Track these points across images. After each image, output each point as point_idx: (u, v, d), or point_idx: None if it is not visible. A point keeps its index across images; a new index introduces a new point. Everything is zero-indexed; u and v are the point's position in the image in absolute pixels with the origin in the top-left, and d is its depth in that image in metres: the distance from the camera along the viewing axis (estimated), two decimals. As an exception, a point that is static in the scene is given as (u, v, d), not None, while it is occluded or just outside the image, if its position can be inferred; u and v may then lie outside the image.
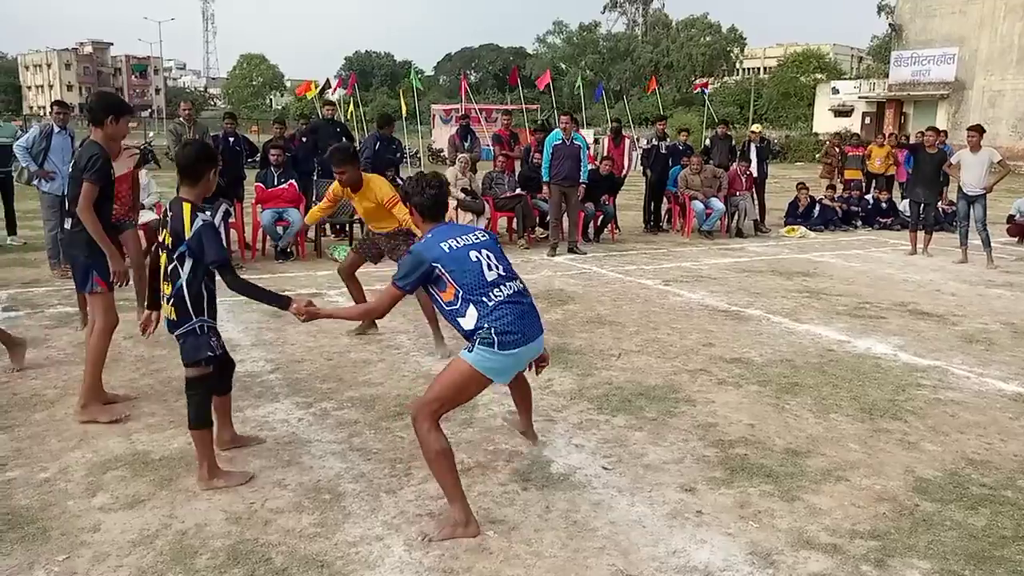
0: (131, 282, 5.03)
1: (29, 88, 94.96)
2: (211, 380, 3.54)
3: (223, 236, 4.27)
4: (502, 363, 3.08)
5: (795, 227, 12.56)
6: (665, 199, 12.68)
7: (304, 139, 10.74)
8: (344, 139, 10.76)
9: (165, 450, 3.84)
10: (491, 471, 3.67)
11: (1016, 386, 5.04)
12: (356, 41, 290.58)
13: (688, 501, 3.41)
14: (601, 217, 11.40)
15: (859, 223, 13.40)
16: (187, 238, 3.35)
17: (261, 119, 48.89)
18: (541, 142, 10.54)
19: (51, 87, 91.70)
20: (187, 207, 3.39)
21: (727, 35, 65.86)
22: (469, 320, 3.05)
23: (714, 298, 7.52)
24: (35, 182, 8.17)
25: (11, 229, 10.10)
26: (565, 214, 10.24)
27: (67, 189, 4.23)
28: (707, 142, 14.48)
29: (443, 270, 3.07)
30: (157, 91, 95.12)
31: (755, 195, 12.43)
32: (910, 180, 11.15)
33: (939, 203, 11.81)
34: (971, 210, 9.71)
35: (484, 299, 3.05)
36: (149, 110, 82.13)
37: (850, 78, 52.34)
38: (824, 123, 42.94)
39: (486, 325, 3.03)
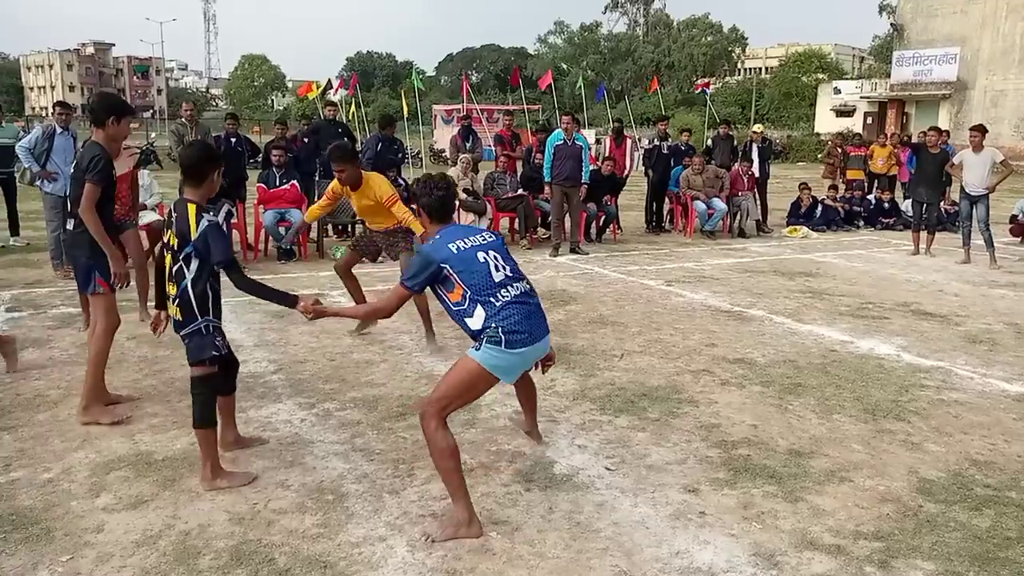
0: (132, 283, 5.03)
1: (31, 89, 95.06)
2: (216, 380, 3.54)
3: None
4: (509, 362, 3.11)
5: (797, 227, 12.55)
6: (667, 199, 12.67)
7: (306, 140, 10.75)
8: (346, 139, 10.78)
9: (168, 451, 3.85)
10: (494, 472, 3.67)
11: (1020, 386, 5.03)
12: (358, 41, 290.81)
13: (691, 502, 3.40)
14: (603, 217, 11.40)
15: (861, 223, 13.39)
16: (193, 239, 3.36)
17: (263, 120, 48.90)
18: (543, 143, 10.54)
19: (53, 88, 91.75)
20: (192, 208, 3.40)
21: (728, 35, 65.81)
22: (476, 320, 3.09)
23: (716, 298, 7.51)
24: (38, 183, 8.18)
25: (14, 230, 10.11)
26: (567, 214, 10.25)
27: (69, 190, 4.23)
28: (709, 142, 14.51)
29: (451, 271, 3.10)
30: (159, 92, 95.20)
31: (757, 195, 12.44)
32: (913, 180, 11.15)
33: (942, 203, 11.79)
34: (974, 210, 9.70)
35: (491, 299, 3.08)
36: (151, 111, 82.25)
37: (852, 78, 52.31)
38: (826, 123, 42.92)
39: (493, 324, 3.06)
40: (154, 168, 21.83)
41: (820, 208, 13.12)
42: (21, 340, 5.69)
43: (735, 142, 13.41)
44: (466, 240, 3.19)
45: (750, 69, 73.11)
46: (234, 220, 9.11)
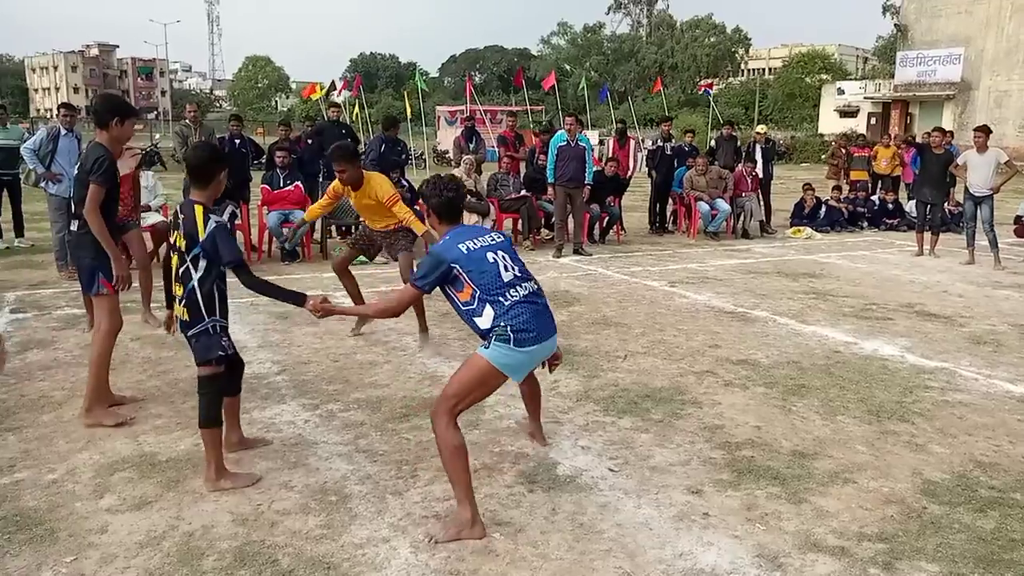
0: (136, 284, 5.04)
1: (36, 90, 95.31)
2: (222, 379, 3.55)
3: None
4: (518, 360, 3.14)
5: (801, 228, 12.54)
6: (670, 200, 12.67)
7: (310, 141, 10.76)
8: (349, 140, 10.80)
9: (172, 452, 3.85)
10: (497, 473, 3.67)
11: (1024, 388, 5.02)
12: (361, 43, 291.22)
13: (695, 503, 3.40)
14: (606, 219, 11.39)
15: (865, 224, 13.37)
16: (201, 240, 3.38)
17: (267, 121, 48.95)
18: (546, 144, 10.54)
19: (57, 89, 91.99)
20: (199, 209, 3.42)
21: (732, 36, 65.81)
22: (486, 319, 3.12)
23: (720, 299, 7.50)
24: (42, 184, 8.21)
25: (18, 231, 10.14)
26: (570, 215, 10.24)
27: (73, 191, 4.24)
28: (712, 143, 14.50)
29: (461, 271, 3.14)
30: (163, 93, 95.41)
31: (760, 196, 12.42)
32: (917, 181, 11.13)
33: (946, 204, 11.77)
34: (978, 211, 9.68)
35: (500, 299, 3.12)
36: (155, 112, 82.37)
37: (855, 79, 52.25)
38: (829, 124, 42.88)
39: (502, 323, 3.09)
40: (158, 169, 21.86)
41: (824, 209, 13.10)
42: (25, 341, 5.72)
43: (738, 143, 13.38)
44: (476, 240, 3.23)
45: (753, 70, 73.06)
46: (238, 222, 9.13)
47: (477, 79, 70.26)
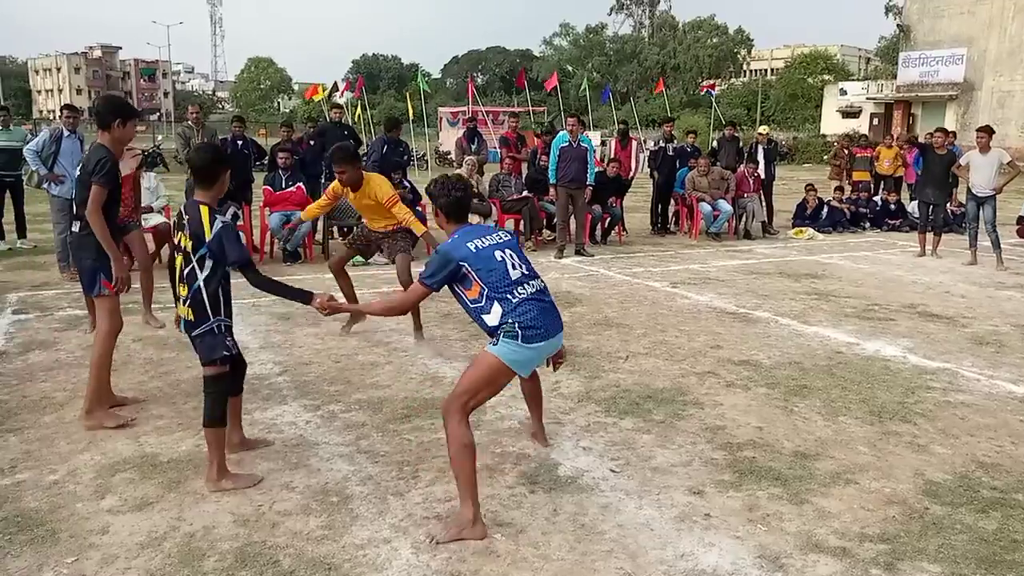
0: (137, 285, 5.04)
1: (39, 92, 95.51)
2: (227, 379, 3.56)
3: None
4: (526, 356, 3.20)
5: (803, 229, 12.52)
6: (672, 201, 12.66)
7: (312, 142, 10.77)
8: (352, 142, 10.80)
9: (173, 452, 3.85)
10: (499, 474, 3.67)
11: (1027, 388, 5.01)
12: (363, 44, 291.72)
13: (696, 504, 3.40)
14: (608, 219, 11.39)
15: (867, 225, 13.36)
16: (208, 240, 3.39)
17: (269, 122, 49.02)
18: (548, 144, 10.55)
19: (60, 91, 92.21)
20: (205, 210, 3.43)
21: (734, 37, 65.81)
22: (494, 316, 3.17)
23: (722, 300, 7.50)
24: (45, 186, 8.22)
25: (21, 232, 10.15)
26: (572, 216, 10.24)
27: (75, 192, 4.24)
28: (714, 144, 14.46)
29: (470, 269, 3.19)
30: (165, 95, 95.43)
31: (763, 197, 12.41)
32: (919, 181, 11.12)
33: (948, 204, 11.75)
34: (980, 211, 9.66)
35: (508, 296, 3.17)
36: (157, 113, 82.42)
37: (858, 79, 52.23)
38: (832, 124, 42.85)
39: (510, 320, 3.14)
40: (160, 171, 21.90)
41: (826, 209, 13.09)
42: (28, 342, 5.73)
43: (741, 144, 13.38)
44: (484, 239, 3.28)
45: (756, 70, 73.06)
46: (240, 223, 9.13)
47: (479, 80, 70.30)
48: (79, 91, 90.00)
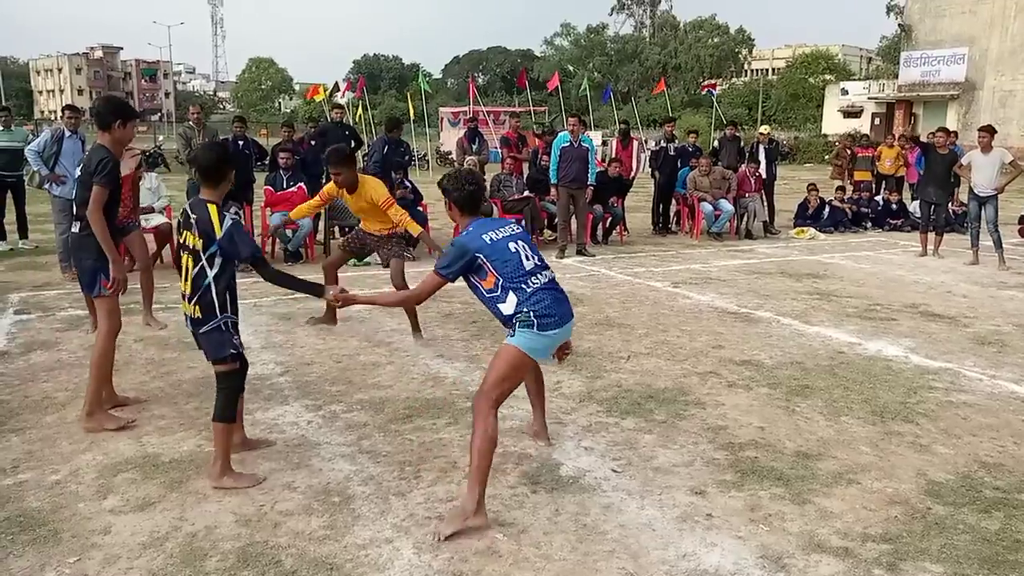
0: (137, 285, 5.04)
1: (40, 92, 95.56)
2: (239, 375, 3.58)
3: None
4: (543, 344, 3.31)
5: (804, 229, 12.51)
6: (674, 201, 12.65)
7: (313, 142, 10.77)
8: (353, 142, 10.80)
9: (175, 452, 3.86)
10: (500, 474, 3.66)
11: (1029, 388, 5.00)
12: (364, 44, 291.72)
13: (698, 504, 3.39)
14: (609, 219, 11.38)
15: (869, 224, 13.34)
16: (219, 237, 3.41)
17: (270, 122, 49.00)
18: (549, 144, 10.55)
19: (62, 92, 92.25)
20: (213, 208, 3.45)
21: (735, 36, 65.75)
22: (509, 305, 3.28)
23: (723, 300, 7.49)
24: (46, 186, 8.22)
25: (22, 233, 10.16)
26: (573, 216, 10.24)
27: (76, 193, 4.24)
28: (716, 144, 14.46)
29: (485, 260, 3.29)
30: (167, 95, 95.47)
31: (764, 197, 12.40)
32: (921, 181, 11.10)
33: (950, 204, 11.74)
34: (982, 211, 9.65)
35: (523, 286, 3.28)
36: (159, 114, 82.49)
37: (859, 79, 52.16)
38: (833, 124, 42.81)
39: (525, 309, 3.25)
40: (162, 171, 21.90)
41: (827, 209, 13.08)
42: (29, 343, 5.74)
43: (742, 143, 13.37)
44: (498, 231, 3.38)
45: (757, 70, 73.04)
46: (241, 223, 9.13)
47: (480, 80, 70.31)
48: (80, 92, 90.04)
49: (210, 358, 3.55)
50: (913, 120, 36.47)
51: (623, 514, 3.30)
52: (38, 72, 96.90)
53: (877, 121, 39.58)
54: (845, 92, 44.32)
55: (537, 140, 12.30)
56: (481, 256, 3.28)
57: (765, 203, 12.42)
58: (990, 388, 4.99)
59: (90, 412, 4.14)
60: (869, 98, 41.39)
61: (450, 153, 27.32)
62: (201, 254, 3.44)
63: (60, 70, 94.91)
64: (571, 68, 65.84)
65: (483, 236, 3.33)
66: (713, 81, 45.92)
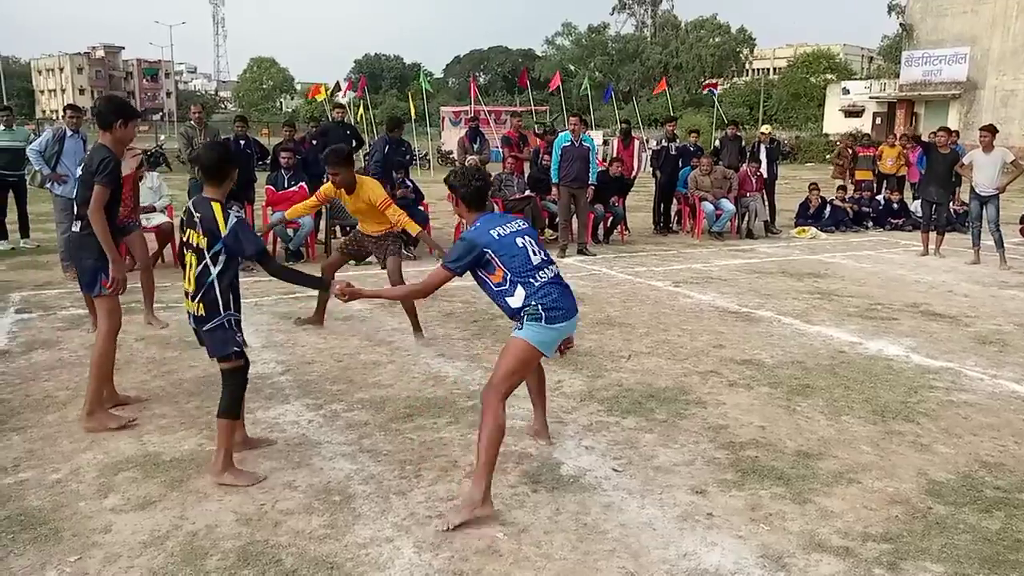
0: (137, 284, 5.04)
1: (42, 92, 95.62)
2: (244, 372, 3.59)
3: None
4: (550, 336, 3.37)
5: (806, 228, 12.50)
6: (675, 200, 12.65)
7: (314, 142, 10.77)
8: (354, 141, 10.81)
9: (176, 451, 3.86)
10: (501, 473, 3.66)
11: (1030, 388, 5.00)
12: (365, 44, 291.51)
13: (699, 503, 3.39)
14: (611, 219, 11.38)
15: (870, 224, 13.33)
16: (224, 235, 3.43)
17: (271, 122, 49.03)
18: (550, 144, 10.55)
19: (63, 91, 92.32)
20: (217, 206, 3.47)
21: (736, 36, 65.71)
22: (517, 299, 3.34)
23: (724, 299, 7.49)
24: (48, 185, 8.23)
25: (24, 232, 10.17)
26: (574, 216, 10.24)
27: (77, 192, 4.24)
28: (717, 143, 14.45)
29: (493, 255, 3.35)
30: (168, 94, 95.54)
31: (765, 196, 12.39)
32: (923, 180, 11.09)
33: (951, 203, 11.73)
34: (984, 211, 9.64)
35: (531, 280, 3.34)
36: (160, 113, 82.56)
37: (861, 78, 52.11)
38: (835, 124, 42.77)
39: (533, 302, 3.31)
40: (163, 170, 21.91)
41: (829, 209, 13.07)
42: (30, 342, 5.74)
43: (743, 143, 13.36)
44: (505, 227, 3.43)
45: (758, 70, 72.96)
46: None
47: (481, 80, 70.27)
48: (82, 91, 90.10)
49: (214, 355, 3.56)
50: (914, 120, 36.43)
51: (624, 513, 3.30)
52: (40, 71, 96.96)
53: (878, 121, 39.55)
54: (846, 92, 44.29)
55: (538, 140, 12.29)
56: (489, 251, 3.33)
57: (766, 202, 12.41)
58: (991, 388, 4.99)
59: (91, 412, 4.14)
60: (870, 97, 41.36)
61: (451, 152, 27.29)
62: (205, 252, 3.46)
63: (62, 69, 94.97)
64: (572, 68, 65.80)
65: (491, 231, 3.37)
66: (714, 81, 45.92)
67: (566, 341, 3.63)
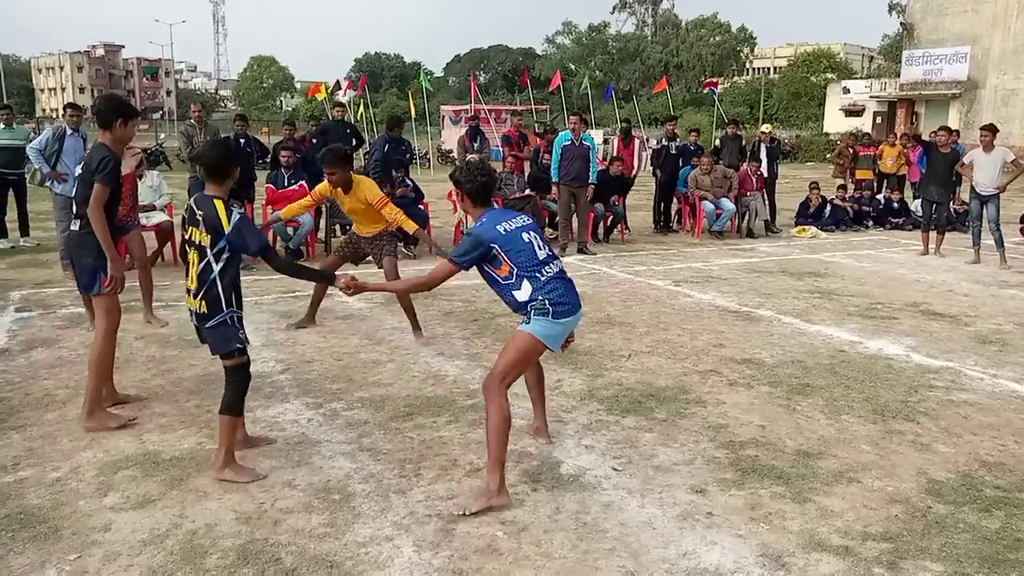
0: (136, 283, 5.04)
1: (42, 91, 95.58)
2: (247, 369, 3.60)
3: None
4: (556, 331, 3.42)
5: (806, 227, 12.50)
6: (675, 199, 12.65)
7: (314, 140, 10.76)
8: (354, 140, 10.80)
9: (175, 450, 3.86)
10: (501, 472, 3.66)
11: (1030, 387, 4.99)
12: (366, 43, 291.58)
13: (698, 502, 3.39)
14: (611, 218, 11.38)
15: (870, 223, 13.33)
16: (227, 232, 3.44)
17: (272, 121, 48.98)
18: (550, 143, 10.55)
19: (63, 89, 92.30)
20: (220, 203, 3.48)
21: (737, 35, 65.68)
22: (524, 293, 3.39)
23: (724, 299, 7.49)
24: (48, 184, 8.23)
25: (24, 230, 10.17)
26: (574, 215, 10.24)
27: (76, 191, 4.23)
28: (717, 142, 14.45)
29: (500, 250, 3.38)
30: (168, 93, 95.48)
31: (765, 195, 12.39)
32: (923, 179, 11.10)
33: (951, 203, 11.72)
34: (984, 210, 9.64)
35: (537, 274, 3.40)
36: (160, 112, 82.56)
37: (861, 77, 52.07)
38: (835, 123, 42.76)
39: (540, 297, 3.36)
40: (163, 169, 21.92)
41: (829, 208, 13.07)
42: (30, 340, 5.74)
43: (743, 142, 13.35)
44: (510, 222, 3.47)
45: (759, 69, 72.92)
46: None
47: (481, 79, 70.26)
48: (82, 89, 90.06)
49: (216, 352, 3.57)
50: (915, 119, 36.40)
51: (623, 512, 3.30)
52: (40, 70, 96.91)
53: (879, 120, 39.53)
54: (847, 91, 44.27)
55: (538, 139, 12.29)
56: (496, 246, 3.37)
57: (766, 202, 12.41)
58: (991, 387, 4.99)
59: (91, 412, 4.14)
60: (871, 97, 41.34)
61: (451, 151, 27.29)
62: (208, 249, 3.47)
63: (62, 68, 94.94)
64: (573, 66, 65.77)
65: (497, 227, 3.41)
66: (715, 80, 45.89)
67: (568, 336, 3.64)
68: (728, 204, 11.69)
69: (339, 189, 5.73)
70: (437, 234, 10.50)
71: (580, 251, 10.07)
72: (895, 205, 13.49)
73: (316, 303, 6.24)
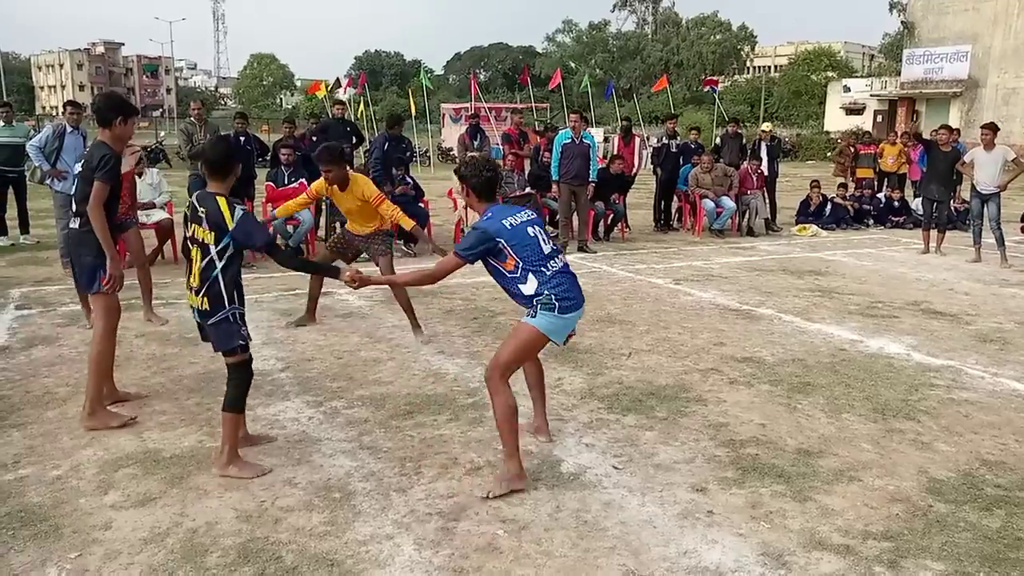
0: (136, 282, 5.03)
1: (42, 88, 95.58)
2: (249, 366, 3.61)
3: None
4: (561, 325, 3.46)
5: (807, 226, 12.50)
6: (676, 198, 12.64)
7: (314, 138, 10.75)
8: (354, 138, 10.80)
9: (176, 448, 3.86)
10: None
11: (1031, 386, 4.99)
12: (366, 41, 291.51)
13: (699, 501, 3.39)
14: (611, 216, 11.38)
15: (871, 222, 13.32)
16: (231, 229, 3.45)
17: (271, 118, 48.95)
18: (551, 141, 10.54)
19: (63, 87, 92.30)
20: (223, 200, 3.49)
21: (737, 33, 65.66)
22: (529, 287, 3.42)
23: (725, 297, 7.48)
24: (48, 181, 8.23)
25: (24, 228, 10.17)
26: (575, 213, 10.23)
27: (76, 189, 4.23)
28: (718, 140, 14.44)
29: (505, 244, 3.42)
30: (168, 91, 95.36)
31: (766, 194, 12.38)
32: (924, 178, 11.09)
33: (952, 201, 11.71)
34: (985, 208, 9.64)
35: (543, 269, 3.44)
36: (160, 110, 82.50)
37: (862, 76, 52.01)
38: (835, 121, 42.72)
39: (546, 291, 3.40)
40: (163, 167, 21.92)
41: (829, 206, 13.06)
42: (30, 338, 5.74)
43: (744, 140, 13.34)
44: (516, 217, 3.50)
45: (759, 67, 72.87)
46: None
47: (482, 76, 70.20)
48: (82, 87, 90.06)
49: (219, 349, 3.58)
50: (916, 118, 36.35)
51: (624, 511, 3.30)
52: (39, 68, 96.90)
53: (879, 118, 39.48)
54: (847, 89, 44.21)
55: (539, 138, 12.29)
56: (501, 240, 3.40)
57: (767, 200, 12.40)
58: (992, 386, 4.98)
59: (91, 411, 4.13)
60: (871, 95, 41.29)
61: (452, 149, 27.29)
62: (211, 247, 3.47)
63: (62, 66, 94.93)
64: (573, 65, 65.76)
65: (503, 221, 3.44)
66: (715, 78, 45.89)
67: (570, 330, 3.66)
68: (728, 202, 11.68)
69: (335, 186, 5.71)
70: (437, 232, 10.50)
71: (580, 249, 10.07)
72: (896, 204, 13.48)
73: (313, 299, 6.23)
